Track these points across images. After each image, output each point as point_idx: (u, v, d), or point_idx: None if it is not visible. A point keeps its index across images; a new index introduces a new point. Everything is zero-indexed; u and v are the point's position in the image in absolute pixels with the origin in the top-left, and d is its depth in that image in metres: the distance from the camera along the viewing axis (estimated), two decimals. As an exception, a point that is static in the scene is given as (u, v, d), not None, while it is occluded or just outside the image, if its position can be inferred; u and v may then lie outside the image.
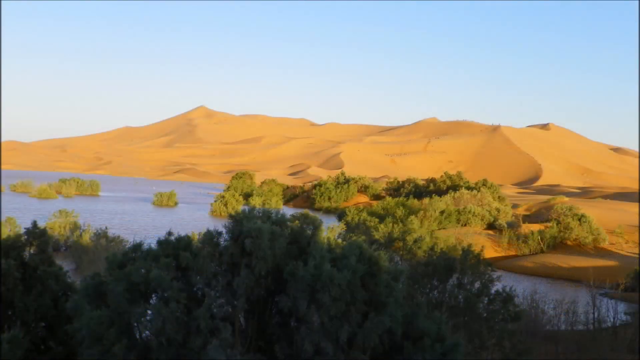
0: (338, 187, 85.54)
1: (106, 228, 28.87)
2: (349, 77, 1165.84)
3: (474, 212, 46.63)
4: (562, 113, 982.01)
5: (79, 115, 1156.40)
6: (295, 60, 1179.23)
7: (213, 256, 6.99)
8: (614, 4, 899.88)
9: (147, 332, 6.57)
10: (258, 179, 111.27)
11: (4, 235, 8.98)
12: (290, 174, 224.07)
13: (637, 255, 33.29)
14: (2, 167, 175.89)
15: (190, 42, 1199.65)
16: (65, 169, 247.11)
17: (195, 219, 55.34)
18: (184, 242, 7.19)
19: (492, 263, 12.71)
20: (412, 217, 38.26)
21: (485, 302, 10.86)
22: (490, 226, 45.06)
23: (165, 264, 6.75)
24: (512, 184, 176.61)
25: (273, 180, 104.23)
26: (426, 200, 52.41)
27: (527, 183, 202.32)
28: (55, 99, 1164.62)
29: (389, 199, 54.90)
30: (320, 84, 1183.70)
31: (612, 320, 15.39)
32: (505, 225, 42.91)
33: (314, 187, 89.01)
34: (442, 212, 45.87)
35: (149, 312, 6.46)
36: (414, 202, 51.85)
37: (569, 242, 38.82)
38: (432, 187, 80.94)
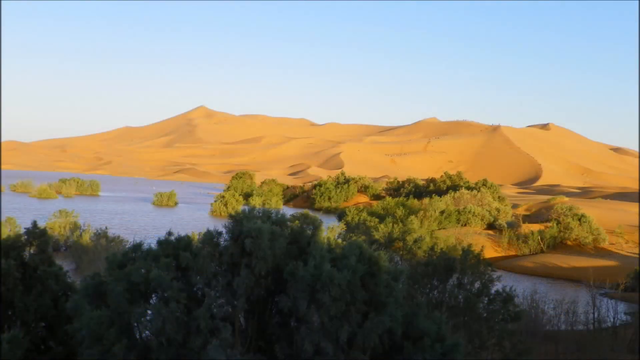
0: (338, 187, 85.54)
1: (106, 228, 28.89)
2: (349, 77, 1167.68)
3: (474, 212, 46.62)
4: (562, 113, 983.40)
5: (79, 115, 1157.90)
6: (295, 60, 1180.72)
7: (213, 256, 6.98)
8: (614, 4, 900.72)
9: (147, 332, 6.57)
10: (258, 179, 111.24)
11: (4, 235, 8.97)
12: (290, 174, 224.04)
13: (637, 255, 33.29)
14: (2, 167, 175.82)
15: (190, 42, 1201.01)
16: (65, 169, 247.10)
17: (195, 219, 55.33)
18: (184, 242, 7.18)
19: (492, 263, 12.69)
20: (412, 217, 38.26)
21: (485, 302, 10.84)
22: (490, 226, 45.06)
23: (165, 264, 6.75)
24: (512, 184, 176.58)
25: (273, 180, 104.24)
26: (426, 200, 52.41)
27: (527, 183, 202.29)
28: (55, 99, 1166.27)
29: (389, 199, 54.95)
30: (320, 84, 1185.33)
31: (612, 320, 15.39)
32: (505, 225, 42.90)
33: (314, 187, 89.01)
34: (442, 212, 45.86)
35: (149, 312, 6.46)
36: (414, 202, 51.89)
37: (569, 242, 38.82)
38: (432, 187, 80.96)
